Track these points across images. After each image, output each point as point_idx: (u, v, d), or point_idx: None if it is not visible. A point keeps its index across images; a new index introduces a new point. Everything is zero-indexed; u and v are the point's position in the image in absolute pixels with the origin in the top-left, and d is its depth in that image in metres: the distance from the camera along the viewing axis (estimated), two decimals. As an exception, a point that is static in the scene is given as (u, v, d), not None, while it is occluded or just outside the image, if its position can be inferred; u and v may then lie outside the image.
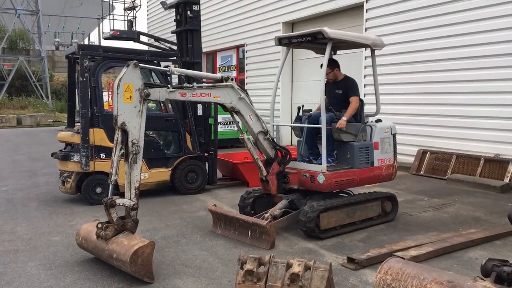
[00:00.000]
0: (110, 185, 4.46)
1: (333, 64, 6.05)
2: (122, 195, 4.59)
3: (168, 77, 7.58)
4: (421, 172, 9.50)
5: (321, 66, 5.63)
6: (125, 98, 4.44)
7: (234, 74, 17.00)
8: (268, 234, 5.01)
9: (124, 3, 18.89)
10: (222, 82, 5.27)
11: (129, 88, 4.47)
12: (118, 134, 4.43)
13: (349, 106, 5.85)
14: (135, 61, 4.54)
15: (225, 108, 5.38)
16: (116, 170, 4.39)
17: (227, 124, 13.46)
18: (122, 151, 4.46)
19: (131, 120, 4.46)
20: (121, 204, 4.41)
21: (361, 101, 6.07)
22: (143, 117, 4.56)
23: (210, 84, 5.23)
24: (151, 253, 4.15)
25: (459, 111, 9.32)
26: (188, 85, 5.03)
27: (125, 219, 4.45)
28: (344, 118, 5.69)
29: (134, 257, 4.00)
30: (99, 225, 4.36)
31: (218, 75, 5.48)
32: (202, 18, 8.81)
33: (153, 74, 8.05)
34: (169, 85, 4.94)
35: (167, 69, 5.29)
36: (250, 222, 5.22)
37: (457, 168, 8.96)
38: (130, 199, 4.47)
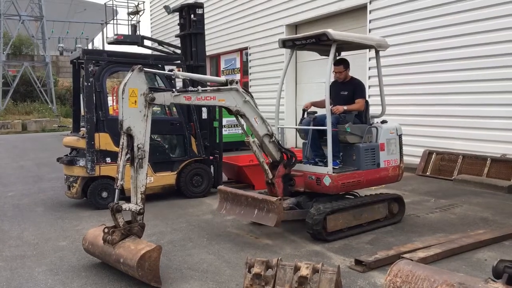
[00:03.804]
0: (116, 190, 4.47)
1: (346, 64, 6.07)
2: (128, 199, 4.59)
3: (173, 81, 7.59)
4: (427, 173, 9.45)
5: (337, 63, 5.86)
6: (130, 103, 4.44)
7: (238, 77, 17.01)
8: (275, 212, 5.02)
9: (128, 8, 18.96)
10: (227, 85, 5.26)
11: (134, 92, 4.47)
12: (123, 138, 4.43)
13: (354, 104, 5.87)
14: (139, 66, 4.54)
15: (230, 111, 5.37)
16: (122, 175, 4.39)
17: (232, 127, 13.46)
18: (128, 155, 4.46)
19: (136, 124, 4.46)
20: (127, 209, 4.40)
21: (366, 102, 6.06)
22: (149, 122, 4.56)
23: (214, 88, 5.23)
24: (158, 257, 4.14)
25: (465, 111, 9.28)
26: (193, 88, 5.02)
27: (132, 224, 4.45)
28: (344, 107, 5.71)
29: (141, 262, 3.99)
30: (106, 230, 4.36)
31: (223, 78, 5.48)
32: (205, 21, 8.82)
33: (157, 78, 8.06)
34: (174, 89, 4.94)
35: (172, 73, 5.30)
36: (259, 199, 5.26)
37: (463, 168, 8.90)
38: (136, 203, 4.47)
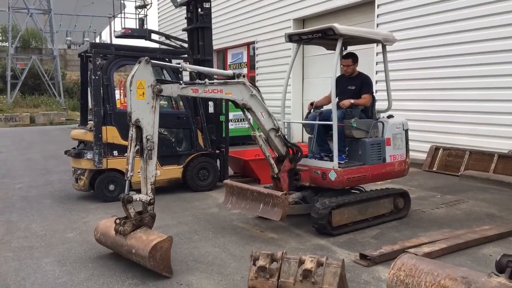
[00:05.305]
0: (127, 181, 4.51)
1: (355, 58, 6.07)
2: (136, 191, 4.62)
3: (180, 75, 7.61)
4: (434, 169, 9.43)
5: (346, 56, 5.96)
6: (138, 95, 4.47)
7: (245, 71, 16.99)
8: (280, 206, 5.04)
9: (135, 2, 18.96)
10: (234, 79, 5.28)
11: (141, 84, 4.50)
12: (132, 130, 4.47)
13: (361, 98, 5.87)
14: (146, 58, 4.57)
15: (236, 105, 5.38)
16: (132, 167, 4.44)
17: (238, 121, 13.48)
18: (137, 147, 4.50)
19: (144, 116, 4.50)
20: (138, 200, 4.45)
21: (372, 97, 6.05)
22: (157, 113, 4.59)
23: (221, 81, 5.25)
24: (169, 247, 4.20)
25: (472, 106, 9.23)
26: (200, 81, 5.05)
27: (143, 214, 4.50)
28: (351, 101, 5.72)
29: (153, 252, 4.06)
30: (117, 221, 4.41)
31: (230, 71, 5.50)
32: (212, 15, 8.82)
33: (164, 72, 8.09)
34: (181, 82, 4.96)
35: (179, 65, 5.32)
36: (265, 193, 5.28)
37: (470, 164, 8.87)
38: (147, 194, 4.52)
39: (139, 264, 4.26)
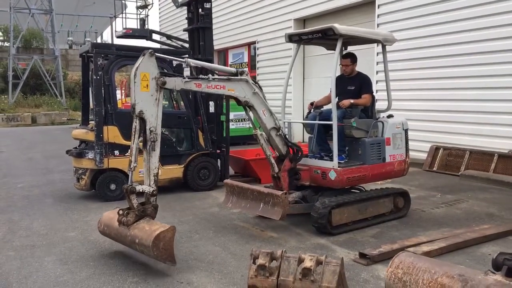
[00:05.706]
0: (130, 172, 4.54)
1: (354, 58, 6.10)
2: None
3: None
4: (434, 168, 9.45)
5: (345, 56, 5.99)
6: (142, 87, 4.51)
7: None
8: (280, 205, 5.07)
9: (136, 2, 18.97)
10: (237, 76, 5.31)
11: (145, 77, 4.54)
12: (136, 122, 4.51)
13: (361, 98, 5.90)
14: (150, 50, 4.61)
15: (238, 102, 5.41)
16: (135, 157, 4.48)
17: (239, 121, 13.52)
18: (141, 138, 4.55)
19: (148, 108, 4.54)
20: (141, 190, 4.50)
21: (372, 97, 6.08)
22: (160, 106, 4.63)
23: (225, 77, 5.28)
24: (173, 237, 4.23)
25: (472, 106, 9.25)
26: (203, 76, 5.08)
27: (145, 205, 4.54)
28: (351, 101, 5.75)
29: (156, 242, 4.09)
30: (120, 212, 4.46)
31: (233, 69, 5.53)
32: (213, 15, 8.85)
33: (165, 71, 8.12)
34: (184, 76, 5.00)
35: (184, 60, 5.37)
36: (265, 193, 5.31)
37: (470, 164, 8.88)
38: (150, 185, 4.56)
39: (142, 253, 4.30)
